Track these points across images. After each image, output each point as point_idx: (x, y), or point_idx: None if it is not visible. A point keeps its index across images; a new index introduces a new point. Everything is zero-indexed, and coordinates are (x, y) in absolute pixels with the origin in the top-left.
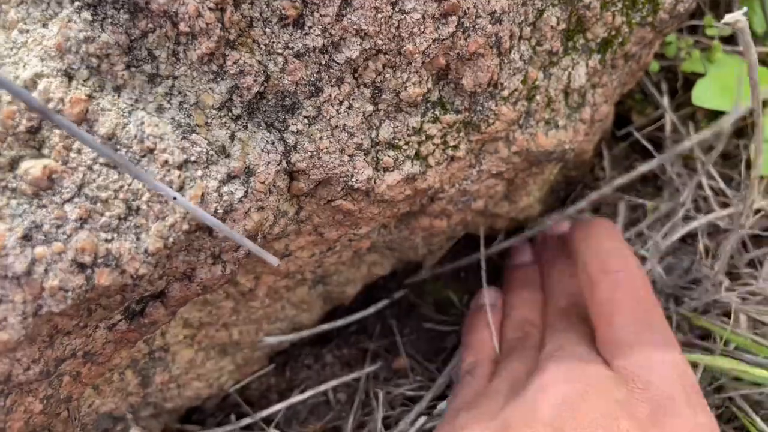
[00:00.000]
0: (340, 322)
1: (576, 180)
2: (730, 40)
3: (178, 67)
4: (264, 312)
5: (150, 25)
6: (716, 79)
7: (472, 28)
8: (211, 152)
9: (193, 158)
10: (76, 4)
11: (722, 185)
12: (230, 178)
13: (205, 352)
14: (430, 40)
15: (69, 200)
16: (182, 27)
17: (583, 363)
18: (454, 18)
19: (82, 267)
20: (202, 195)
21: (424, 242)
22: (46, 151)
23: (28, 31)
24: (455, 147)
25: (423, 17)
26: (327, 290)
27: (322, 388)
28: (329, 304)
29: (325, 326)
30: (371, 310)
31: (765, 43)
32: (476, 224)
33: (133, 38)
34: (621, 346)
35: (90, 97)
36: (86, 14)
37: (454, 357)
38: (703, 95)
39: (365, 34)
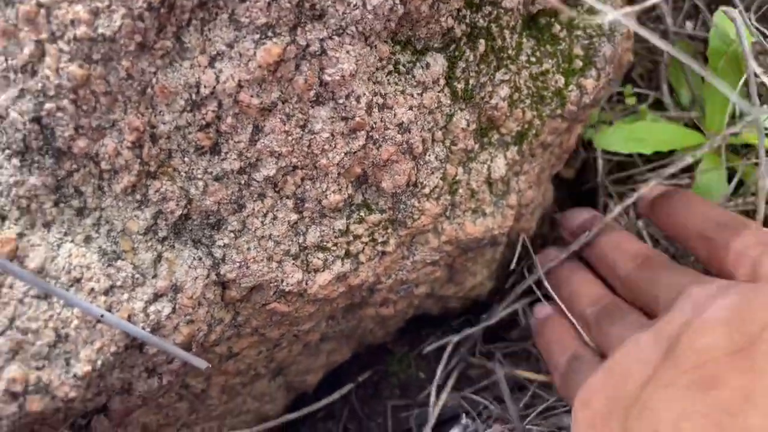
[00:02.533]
0: (305, 410)
1: (525, 255)
2: (660, 105)
3: (104, 199)
4: (225, 408)
5: (74, 166)
6: (623, 130)
7: (381, 139)
8: (137, 275)
9: (118, 283)
10: (6, 152)
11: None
12: (157, 297)
13: None
14: (342, 154)
15: (1, 333)
16: (104, 165)
17: (721, 282)
18: (363, 133)
19: (14, 396)
20: (129, 317)
21: (379, 326)
22: None
23: None
24: (384, 242)
25: (332, 135)
26: (287, 381)
27: None
28: (293, 393)
29: (291, 416)
30: (336, 395)
31: (696, 109)
32: (427, 306)
33: (59, 178)
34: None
35: (20, 235)
36: (15, 161)
37: None
38: (606, 140)
39: (279, 154)
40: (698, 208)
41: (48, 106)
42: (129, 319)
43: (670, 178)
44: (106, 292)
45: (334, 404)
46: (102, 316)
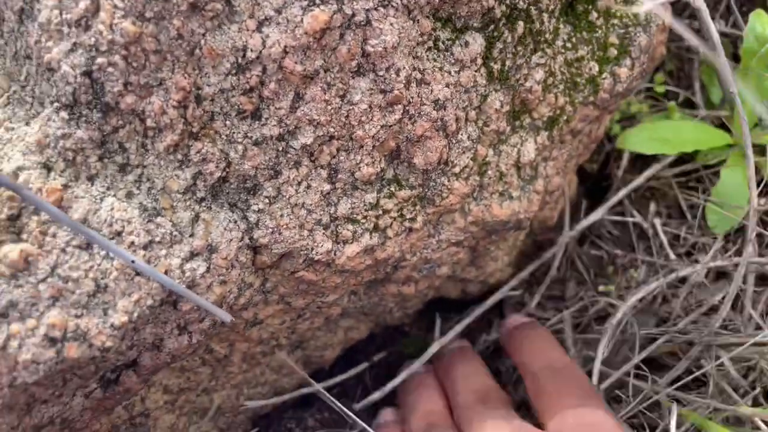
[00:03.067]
0: (321, 385)
1: (545, 244)
2: (691, 104)
3: (146, 157)
4: (243, 377)
5: (120, 122)
6: (649, 129)
7: (417, 115)
8: (175, 233)
9: (157, 239)
10: (55, 104)
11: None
12: (193, 255)
13: (188, 417)
14: (379, 126)
15: (43, 280)
16: (149, 123)
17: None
18: (400, 107)
19: (53, 341)
20: (165, 272)
21: (399, 306)
22: (24, 236)
23: (12, 129)
24: (412, 219)
25: (370, 107)
26: (306, 355)
27: None
28: (309, 368)
29: (306, 390)
30: (351, 373)
31: (725, 108)
32: (447, 289)
33: (105, 133)
34: (562, 408)
35: (65, 186)
36: (64, 114)
37: None
38: (630, 141)
39: (318, 123)
40: (541, 348)
41: (99, 60)
42: (165, 274)
43: (693, 177)
44: (145, 247)
45: (348, 382)
46: (133, 261)
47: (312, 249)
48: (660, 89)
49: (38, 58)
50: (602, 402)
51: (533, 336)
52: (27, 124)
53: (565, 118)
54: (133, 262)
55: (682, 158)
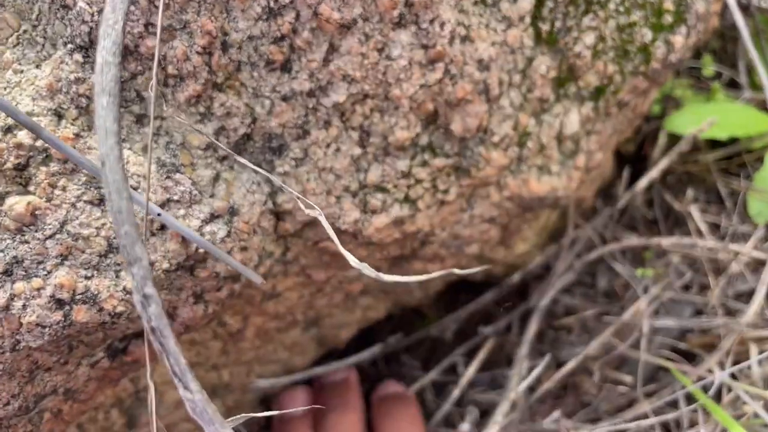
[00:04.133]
0: (333, 366)
1: (576, 226)
2: (735, 85)
3: (165, 108)
4: (255, 354)
5: (139, 68)
6: (694, 112)
7: (459, 75)
8: (194, 191)
9: (175, 197)
10: (69, 46)
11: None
12: (213, 217)
13: None
14: (417, 86)
15: (51, 236)
16: (170, 70)
17: None
18: (441, 65)
19: (60, 303)
20: None
21: (420, 286)
22: (32, 188)
23: (22, 72)
24: (445, 191)
25: (409, 63)
26: (321, 333)
27: None
28: (323, 347)
29: (319, 369)
30: (365, 354)
31: None
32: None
33: (122, 80)
34: None
35: (77, 135)
36: (78, 56)
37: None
38: (675, 123)
39: (352, 79)
40: (404, 429)
41: None
42: (183, 237)
43: (734, 162)
44: (162, 205)
45: (361, 363)
46: (159, 215)
47: (339, 217)
48: (708, 72)
49: None
50: None
51: (399, 413)
52: (38, 66)
53: (612, 88)
54: (159, 215)
55: (721, 141)
